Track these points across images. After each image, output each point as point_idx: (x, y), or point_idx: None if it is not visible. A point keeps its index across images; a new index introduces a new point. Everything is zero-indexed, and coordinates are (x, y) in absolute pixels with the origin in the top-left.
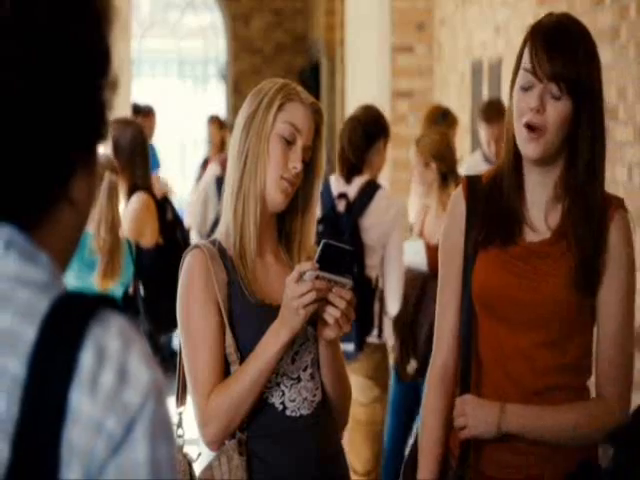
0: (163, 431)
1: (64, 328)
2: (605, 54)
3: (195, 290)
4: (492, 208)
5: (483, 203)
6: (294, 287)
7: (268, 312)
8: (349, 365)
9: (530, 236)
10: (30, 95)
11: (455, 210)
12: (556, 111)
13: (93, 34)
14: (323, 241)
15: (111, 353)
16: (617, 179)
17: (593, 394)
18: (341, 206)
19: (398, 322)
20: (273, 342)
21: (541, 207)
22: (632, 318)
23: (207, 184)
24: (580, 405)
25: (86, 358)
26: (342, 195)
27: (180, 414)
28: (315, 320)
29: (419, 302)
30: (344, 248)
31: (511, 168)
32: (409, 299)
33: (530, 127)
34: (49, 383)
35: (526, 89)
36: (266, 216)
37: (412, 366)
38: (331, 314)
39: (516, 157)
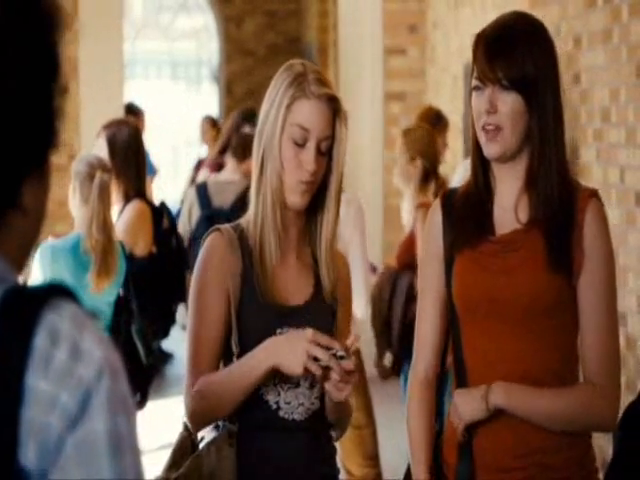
0: (121, 405)
1: (18, 316)
2: (597, 56)
3: (209, 274)
4: (465, 211)
5: (458, 209)
6: (312, 348)
7: (276, 312)
8: None
9: (501, 230)
10: None
11: (432, 220)
12: (506, 107)
13: (43, 38)
14: None
15: (64, 334)
16: (609, 181)
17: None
18: None
19: (374, 318)
20: (264, 358)
21: (511, 202)
22: (615, 307)
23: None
24: (571, 389)
25: (40, 341)
26: None
27: None
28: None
29: (392, 296)
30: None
31: (478, 168)
32: (383, 294)
33: (486, 129)
34: (5, 367)
35: (478, 93)
36: (288, 216)
37: (388, 358)
38: (331, 382)
39: (482, 156)
